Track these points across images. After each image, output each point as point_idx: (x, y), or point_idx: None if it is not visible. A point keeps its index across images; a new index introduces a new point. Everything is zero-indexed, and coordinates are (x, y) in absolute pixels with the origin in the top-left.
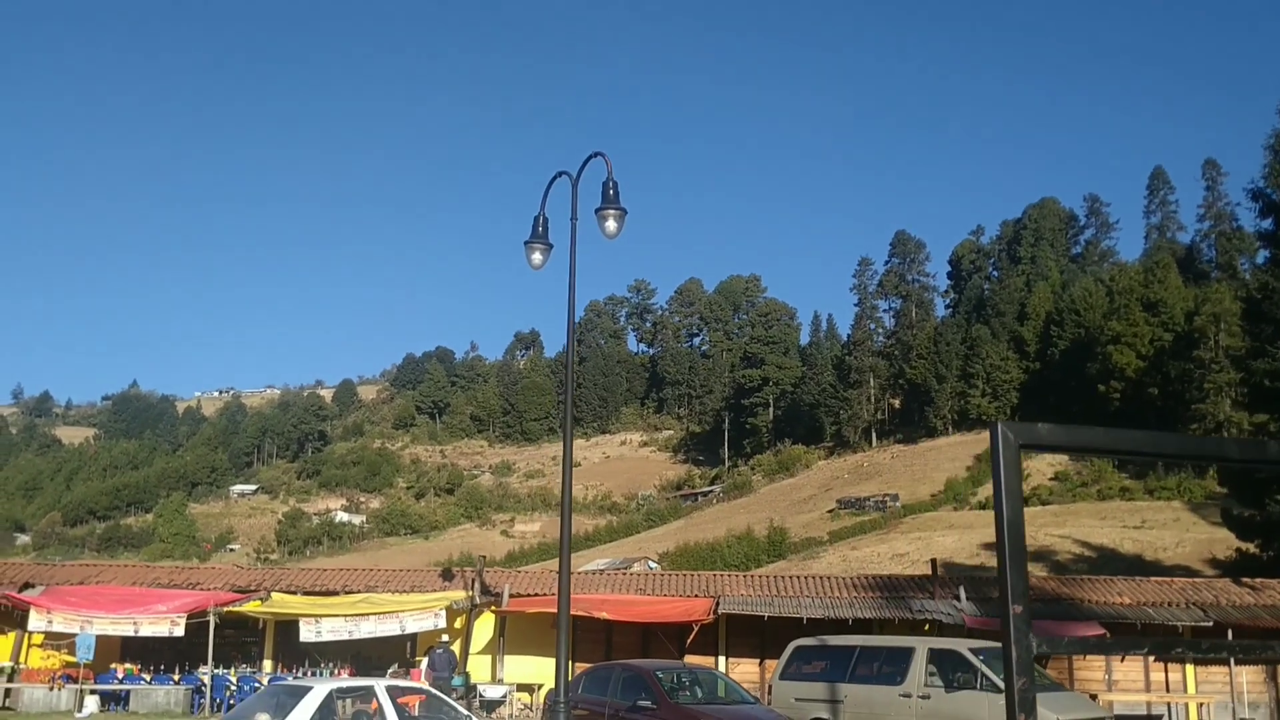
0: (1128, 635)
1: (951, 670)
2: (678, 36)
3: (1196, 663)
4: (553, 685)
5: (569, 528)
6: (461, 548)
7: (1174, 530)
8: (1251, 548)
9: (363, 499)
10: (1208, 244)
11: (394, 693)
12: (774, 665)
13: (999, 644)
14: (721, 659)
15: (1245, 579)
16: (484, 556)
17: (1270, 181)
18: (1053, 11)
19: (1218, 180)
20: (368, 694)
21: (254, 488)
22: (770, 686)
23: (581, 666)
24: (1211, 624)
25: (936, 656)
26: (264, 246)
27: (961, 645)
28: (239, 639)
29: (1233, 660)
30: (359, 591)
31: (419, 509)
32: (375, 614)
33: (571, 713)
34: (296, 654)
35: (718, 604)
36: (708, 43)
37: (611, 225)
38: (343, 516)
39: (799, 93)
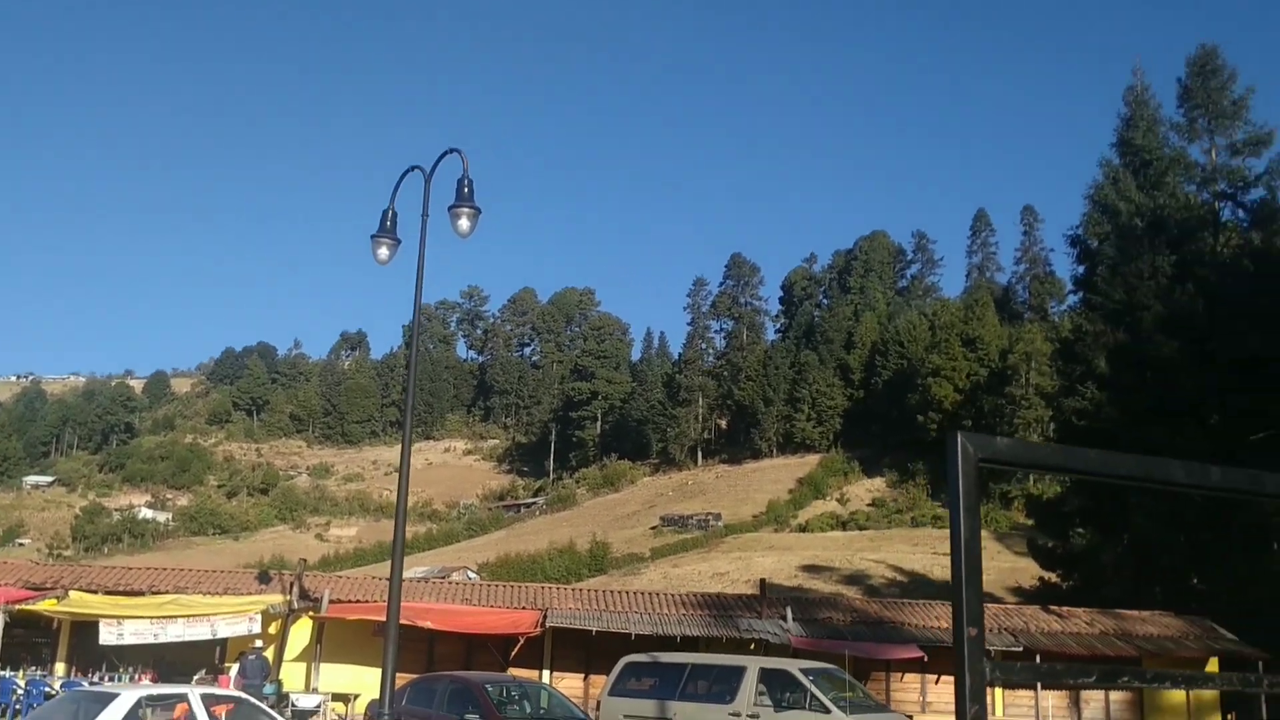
0: (946, 657)
1: (781, 690)
2: (520, 43)
3: (1009, 686)
4: (370, 696)
5: (402, 534)
6: (273, 550)
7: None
8: (1053, 577)
9: (170, 496)
10: (1022, 286)
11: (208, 700)
12: (599, 680)
13: (829, 665)
14: (546, 673)
15: (1053, 606)
16: (304, 560)
17: (1088, 230)
18: (890, 51)
19: (1034, 226)
20: (173, 702)
21: (50, 479)
22: (599, 703)
23: (403, 677)
24: (1021, 649)
25: (767, 676)
26: (74, 224)
27: (792, 665)
28: (29, 639)
29: (1039, 685)
30: (167, 592)
31: (230, 508)
32: (184, 616)
33: None
34: (93, 657)
35: (545, 617)
36: (550, 52)
37: (465, 224)
38: (147, 513)
39: (640, 110)
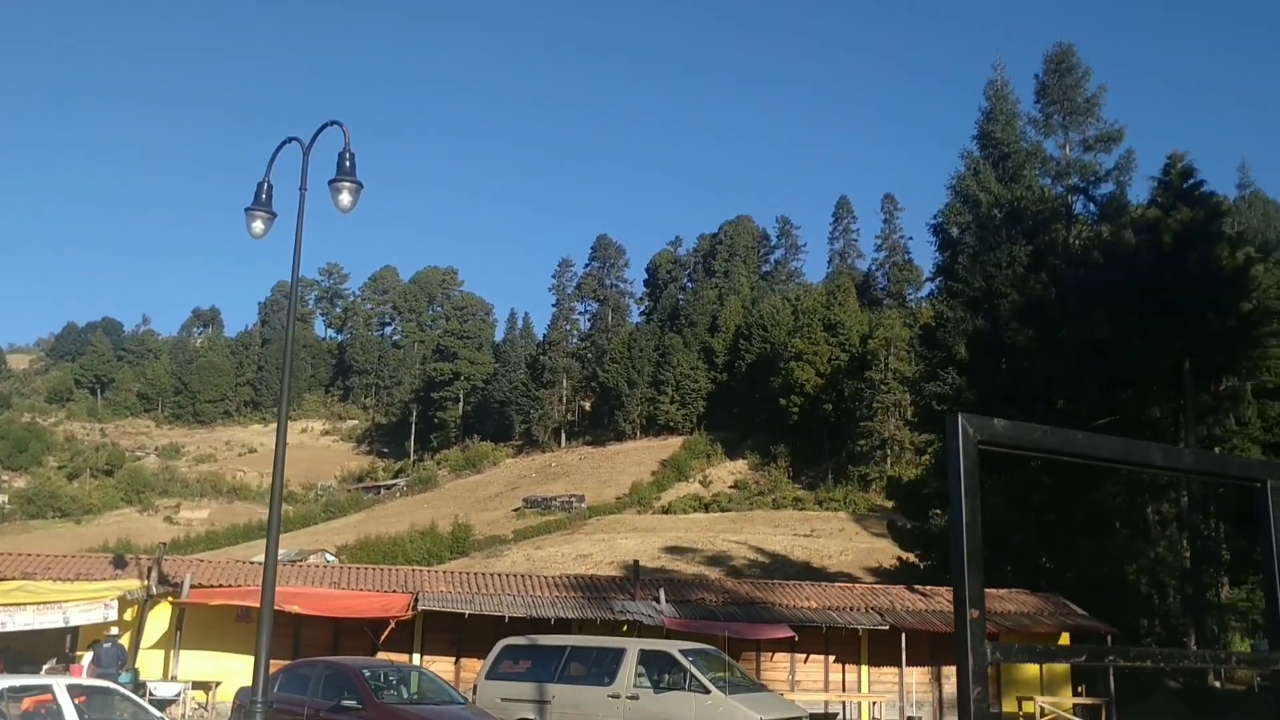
0: (814, 636)
1: (661, 671)
2: (380, 16)
3: (873, 664)
4: (233, 683)
5: (278, 516)
6: (119, 534)
7: (839, 539)
8: (912, 557)
9: (5, 477)
10: (882, 273)
11: (74, 691)
12: (470, 664)
13: (707, 646)
14: (417, 656)
15: (917, 586)
16: (164, 544)
17: (949, 219)
18: (756, 36)
19: (895, 214)
20: (35, 693)
21: None
22: (475, 686)
23: (275, 664)
24: (888, 627)
25: (646, 657)
26: None
27: (672, 646)
28: None
29: (904, 662)
30: (13, 579)
31: (71, 490)
32: (33, 604)
33: (267, 713)
34: None
35: (416, 600)
36: (411, 26)
37: (346, 198)
38: None
39: (504, 88)
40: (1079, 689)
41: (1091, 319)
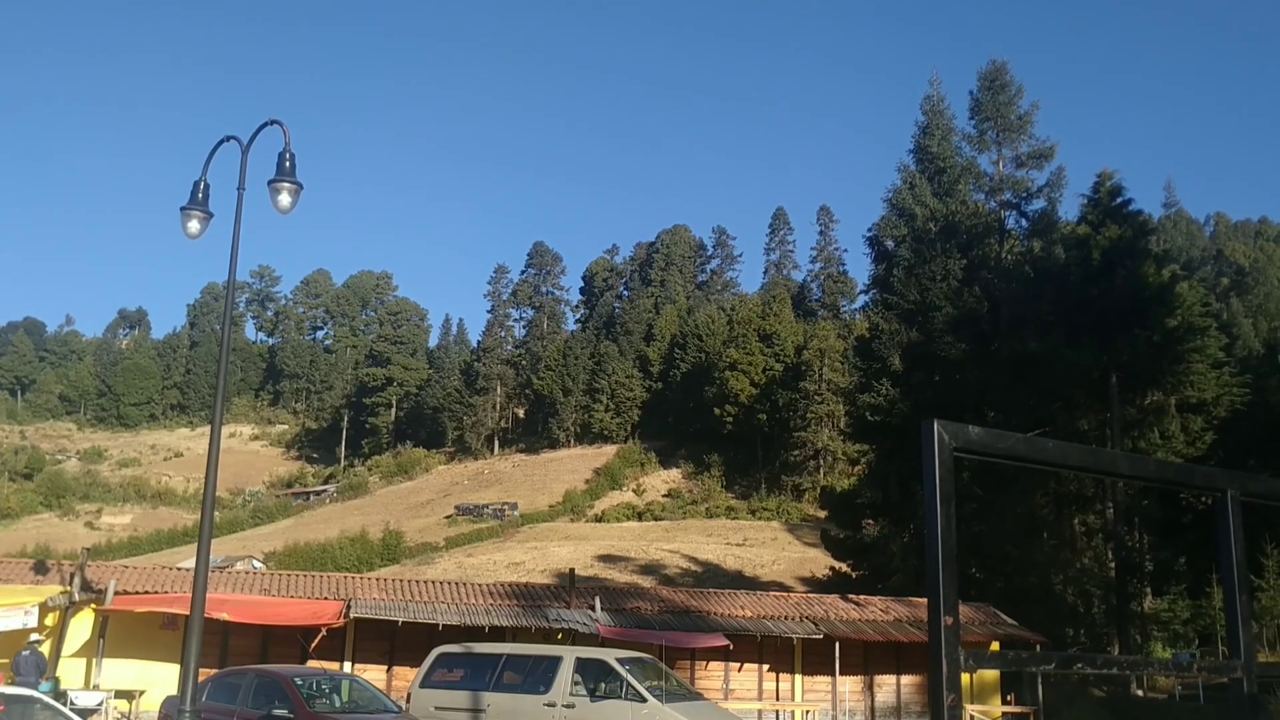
0: (748, 645)
1: (597, 680)
2: (316, 17)
3: (806, 673)
4: (157, 692)
5: (210, 521)
6: (38, 539)
7: (771, 549)
8: (844, 567)
9: None
10: (817, 284)
11: None
12: (403, 672)
13: (644, 654)
14: (349, 664)
15: (851, 595)
16: (87, 549)
17: (884, 231)
18: (694, 46)
19: (830, 226)
20: None
21: None
22: (409, 694)
23: (203, 673)
24: (822, 636)
25: (583, 665)
26: None
27: (609, 655)
28: None
29: (837, 670)
30: None
31: None
32: None
33: None
34: None
35: (349, 607)
36: (347, 28)
37: (285, 199)
38: None
39: (442, 93)
40: (1008, 697)
41: (1022, 332)
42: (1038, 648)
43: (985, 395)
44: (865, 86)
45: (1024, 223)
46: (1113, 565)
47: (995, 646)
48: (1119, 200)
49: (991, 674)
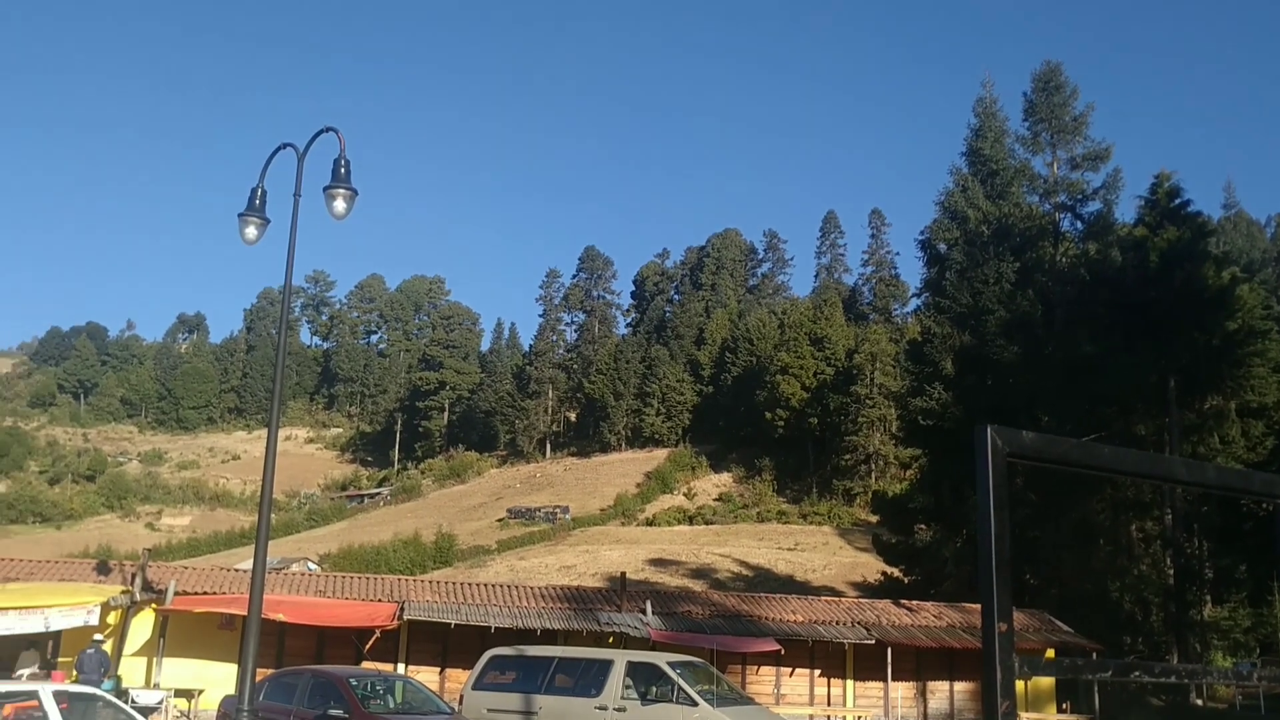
0: (800, 650)
1: (648, 683)
2: (372, 26)
3: (858, 678)
4: (215, 691)
5: (267, 523)
6: (100, 540)
7: (823, 553)
8: (897, 572)
9: None
10: (869, 287)
11: (58, 698)
12: (455, 674)
13: (694, 658)
14: (402, 665)
15: (904, 600)
16: (147, 550)
17: (937, 234)
18: (746, 50)
19: (882, 229)
20: (19, 699)
21: None
22: (462, 696)
23: (260, 672)
24: (874, 641)
25: (634, 669)
26: None
27: (660, 659)
28: None
29: (889, 676)
30: None
31: (52, 495)
32: (15, 609)
33: None
34: None
35: (402, 609)
36: (404, 37)
37: (340, 205)
38: None
39: (495, 98)
40: (1064, 705)
41: (1077, 336)
42: (1094, 655)
43: (1039, 400)
44: (916, 89)
45: (1079, 225)
46: (1171, 572)
47: (1050, 654)
48: (1177, 201)
49: (1047, 681)
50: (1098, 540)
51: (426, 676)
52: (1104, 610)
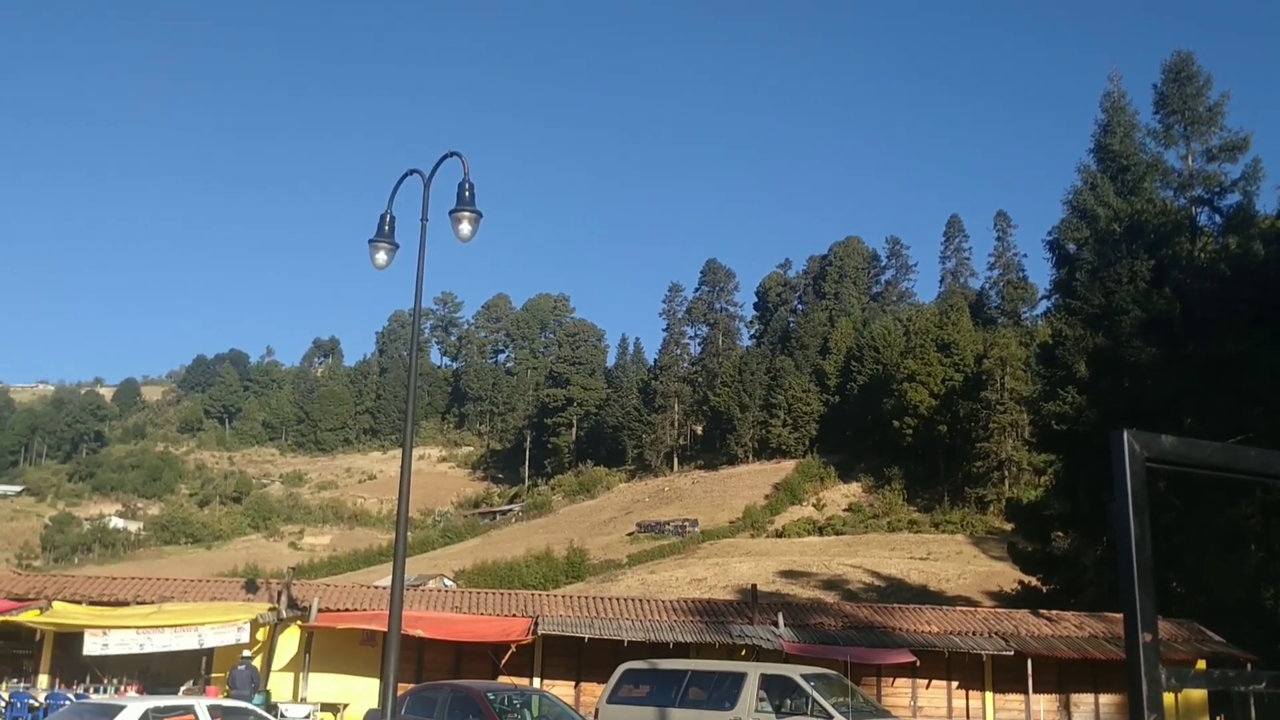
0: (935, 662)
1: (782, 696)
2: (494, 48)
3: (997, 690)
4: (358, 705)
5: (404, 542)
6: (247, 559)
7: (956, 563)
8: (1034, 581)
9: (141, 505)
10: (996, 291)
11: (213, 712)
12: (590, 688)
13: (829, 671)
14: (537, 680)
15: (1042, 610)
16: (292, 569)
17: (1066, 234)
18: (866, 57)
19: (1008, 231)
20: (179, 714)
21: (18, 489)
22: (596, 710)
23: (401, 687)
24: (1013, 653)
25: (768, 682)
26: (41, 230)
27: (794, 671)
28: (9, 651)
29: (1030, 689)
30: (152, 602)
31: (202, 517)
32: (171, 626)
33: None
34: (76, 669)
35: (536, 624)
36: (525, 59)
37: (466, 228)
38: (118, 523)
39: (615, 116)
40: (1217, 718)
41: (1219, 334)
42: (1248, 666)
43: (1179, 401)
44: (1039, 87)
45: (1217, 219)
46: None
47: (1201, 665)
48: None
49: (1199, 694)
50: (1248, 545)
51: (562, 690)
52: (1257, 619)
